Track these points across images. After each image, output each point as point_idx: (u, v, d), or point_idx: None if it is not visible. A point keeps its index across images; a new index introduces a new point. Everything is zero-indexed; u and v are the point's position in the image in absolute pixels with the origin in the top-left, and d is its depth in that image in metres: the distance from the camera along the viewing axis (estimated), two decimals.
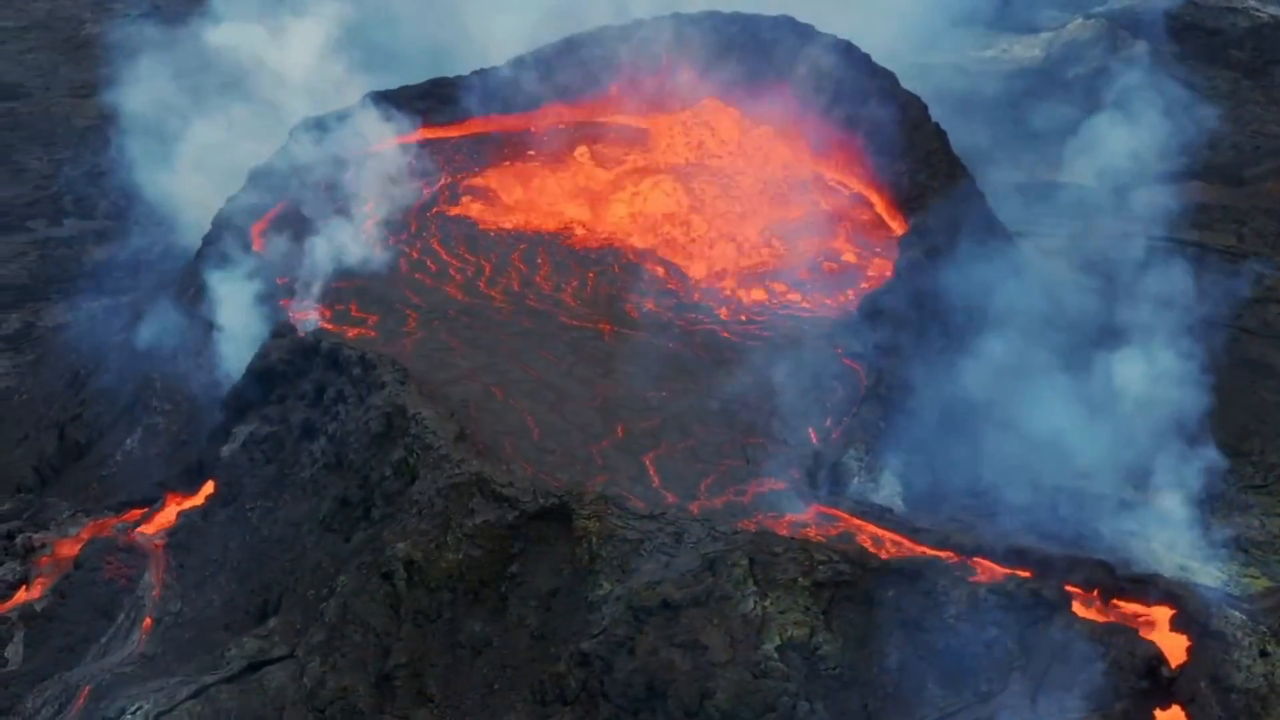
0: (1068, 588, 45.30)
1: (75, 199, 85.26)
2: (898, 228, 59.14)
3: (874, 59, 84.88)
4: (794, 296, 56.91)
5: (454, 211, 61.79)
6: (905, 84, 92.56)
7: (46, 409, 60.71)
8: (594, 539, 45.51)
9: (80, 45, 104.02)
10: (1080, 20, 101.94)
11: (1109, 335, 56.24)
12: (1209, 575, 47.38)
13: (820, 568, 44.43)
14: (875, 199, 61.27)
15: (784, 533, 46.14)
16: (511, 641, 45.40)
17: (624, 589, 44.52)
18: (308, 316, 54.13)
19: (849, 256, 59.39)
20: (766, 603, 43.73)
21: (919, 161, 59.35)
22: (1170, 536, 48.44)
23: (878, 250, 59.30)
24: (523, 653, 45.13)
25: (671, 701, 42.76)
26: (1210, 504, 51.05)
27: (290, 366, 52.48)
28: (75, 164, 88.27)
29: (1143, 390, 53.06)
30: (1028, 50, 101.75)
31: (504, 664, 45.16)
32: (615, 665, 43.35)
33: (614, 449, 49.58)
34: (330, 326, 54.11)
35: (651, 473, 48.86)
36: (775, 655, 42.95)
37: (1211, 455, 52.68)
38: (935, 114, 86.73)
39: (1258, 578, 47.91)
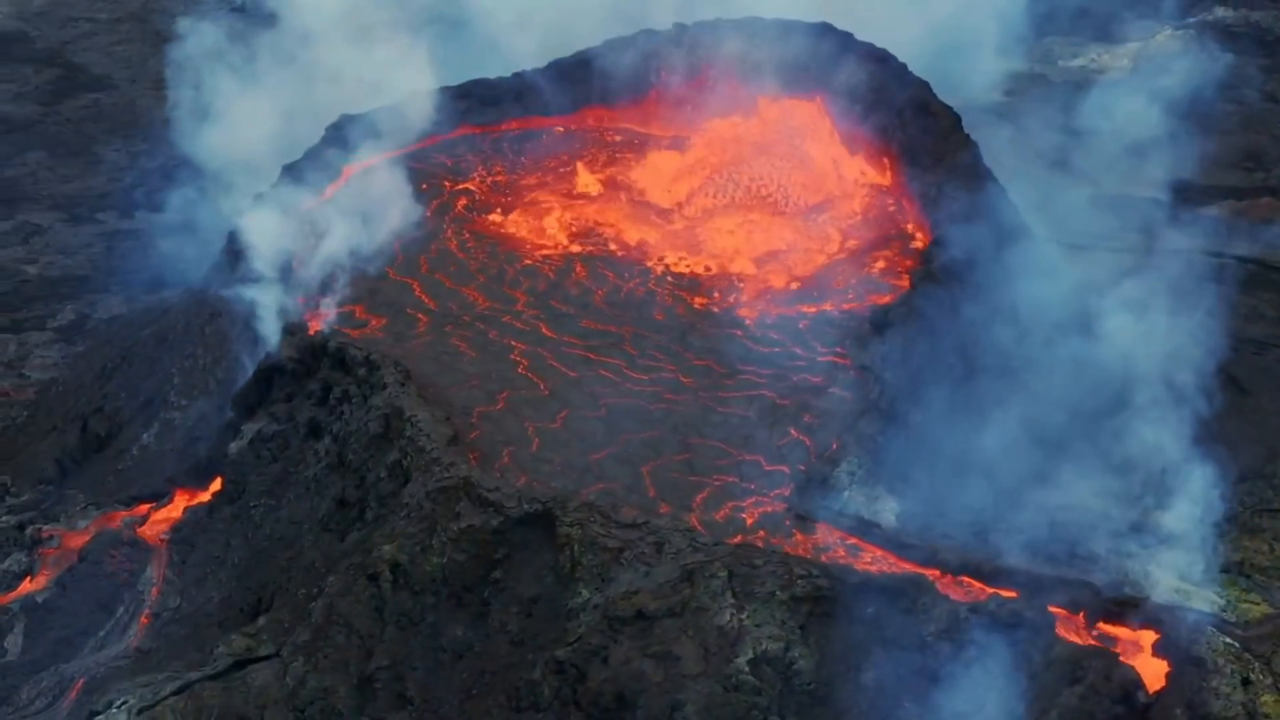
0: (1053, 609, 44.72)
1: (148, 192, 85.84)
2: (924, 239, 58.45)
3: (955, 65, 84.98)
4: (817, 308, 56.27)
5: (489, 213, 61.64)
6: (989, 93, 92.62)
7: (75, 401, 61.40)
8: (576, 546, 45.43)
9: (170, 39, 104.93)
10: (1169, 31, 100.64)
11: (1139, 349, 55.14)
12: (1205, 600, 46.38)
13: (799, 582, 44.11)
14: (908, 209, 60.63)
15: (766, 545, 45.81)
16: (492, 647, 45.43)
17: (601, 597, 44.40)
18: (321, 315, 54.27)
19: (881, 269, 58.68)
20: (743, 615, 43.47)
21: (947, 173, 58.52)
22: (1171, 559, 47.49)
23: (908, 263, 58.63)
24: (502, 658, 45.16)
25: (641, 712, 42.67)
26: (1220, 527, 49.81)
27: (299, 365, 52.79)
28: (152, 157, 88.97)
29: (1162, 409, 51.97)
30: (1116, 60, 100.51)
31: (483, 669, 45.18)
32: (588, 674, 43.28)
33: (611, 460, 49.37)
34: (343, 327, 54.12)
35: (647, 484, 48.53)
36: (747, 669, 42.69)
37: (1226, 476, 51.57)
38: (1018, 122, 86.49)
39: (1258, 604, 46.85)
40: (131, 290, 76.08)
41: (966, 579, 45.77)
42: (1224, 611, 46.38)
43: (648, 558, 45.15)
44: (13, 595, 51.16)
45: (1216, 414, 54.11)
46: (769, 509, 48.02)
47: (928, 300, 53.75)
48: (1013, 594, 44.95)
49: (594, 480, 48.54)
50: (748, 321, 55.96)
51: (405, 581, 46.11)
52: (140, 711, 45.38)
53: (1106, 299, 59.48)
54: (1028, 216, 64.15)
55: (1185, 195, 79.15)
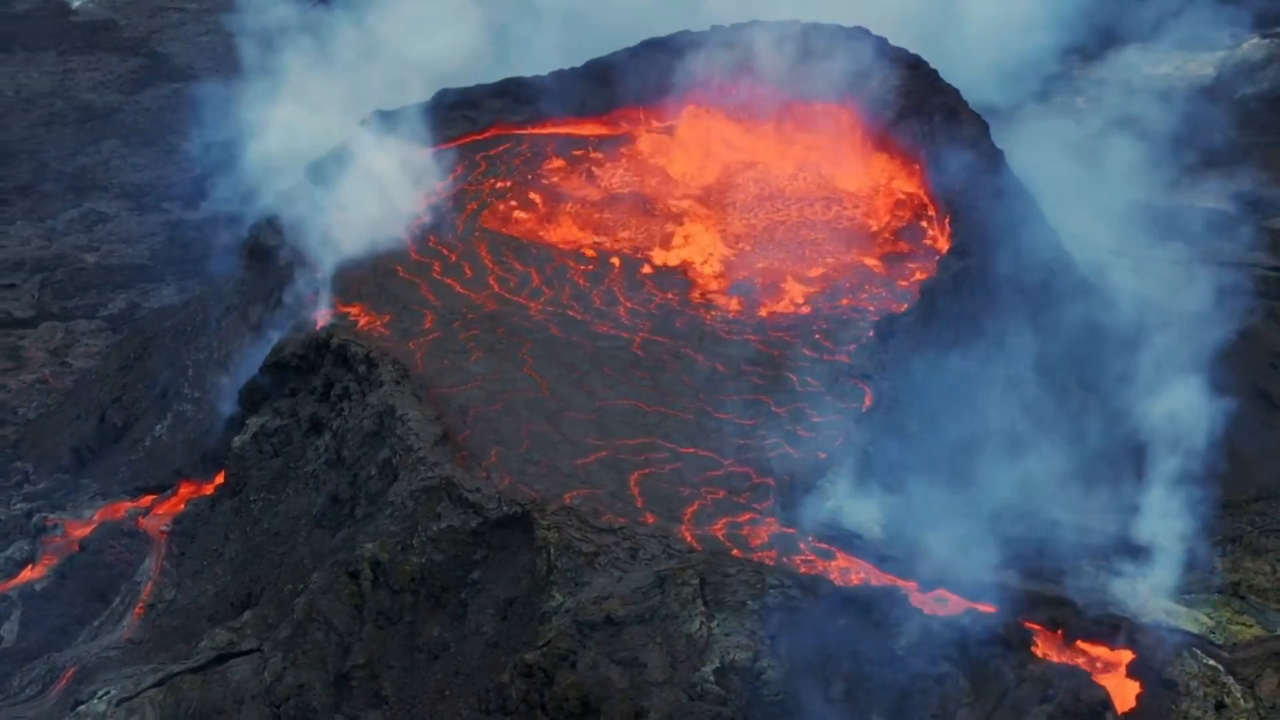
0: (1030, 625, 44.09)
1: (215, 182, 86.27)
2: (946, 247, 57.70)
3: (1031, 71, 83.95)
4: (834, 313, 55.69)
5: (514, 211, 61.52)
6: (1070, 98, 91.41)
7: (99, 390, 62.05)
8: (552, 549, 45.30)
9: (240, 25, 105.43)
10: (1255, 39, 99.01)
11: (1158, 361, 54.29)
12: (1193, 620, 45.39)
13: (771, 591, 43.75)
14: (933, 217, 59.92)
15: (741, 554, 45.45)
16: (467, 648, 45.45)
17: (573, 602, 44.24)
18: (326, 312, 54.49)
19: (904, 276, 58.04)
20: (713, 624, 43.17)
21: (970, 180, 57.71)
22: (1162, 578, 46.57)
23: (929, 271, 57.95)
24: (476, 660, 45.18)
25: (604, 719, 42.34)
26: (1222, 546, 48.84)
27: (303, 361, 53.01)
28: (224, 148, 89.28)
29: (1167, 422, 51.00)
30: (1201, 69, 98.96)
31: (458, 670, 45.21)
32: (556, 678, 43.12)
33: (599, 464, 49.13)
34: (355, 327, 54.22)
35: (634, 490, 48.25)
36: (712, 678, 42.33)
37: (1234, 494, 50.65)
38: (1088, 126, 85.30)
39: (1250, 626, 45.75)
40: (185, 281, 76.48)
41: (944, 592, 45.06)
42: (1211, 633, 45.36)
43: (622, 563, 45.00)
44: (12, 583, 51.74)
45: (1240, 430, 53.02)
46: (759, 522, 47.50)
47: (936, 311, 53.10)
48: (991, 609, 44.26)
49: (579, 484, 48.25)
50: (765, 326, 55.41)
51: (385, 580, 46.22)
52: (120, 702, 45.79)
53: (1138, 308, 58.70)
54: (1081, 224, 63.43)
55: (1255, 206, 77.67)
